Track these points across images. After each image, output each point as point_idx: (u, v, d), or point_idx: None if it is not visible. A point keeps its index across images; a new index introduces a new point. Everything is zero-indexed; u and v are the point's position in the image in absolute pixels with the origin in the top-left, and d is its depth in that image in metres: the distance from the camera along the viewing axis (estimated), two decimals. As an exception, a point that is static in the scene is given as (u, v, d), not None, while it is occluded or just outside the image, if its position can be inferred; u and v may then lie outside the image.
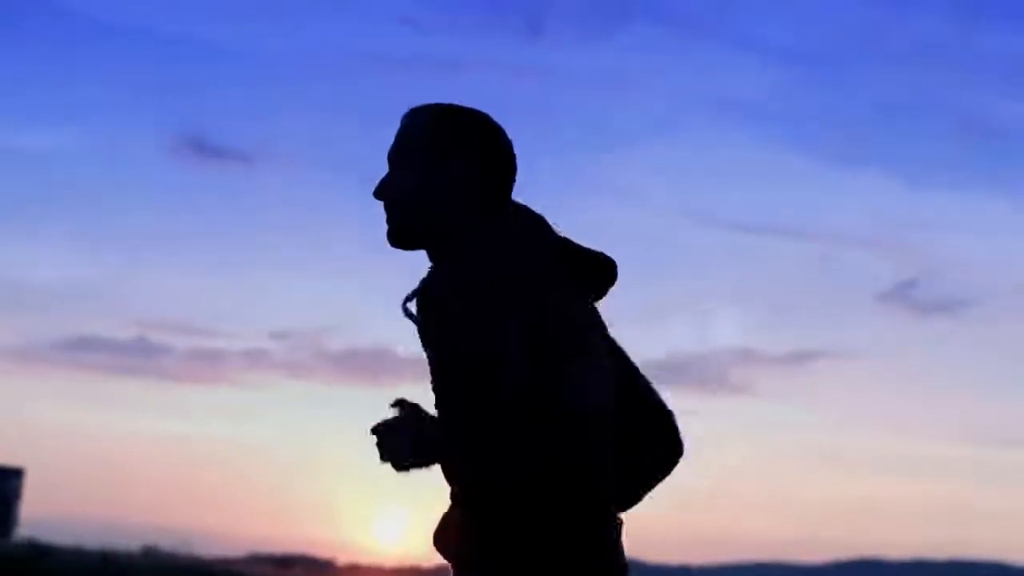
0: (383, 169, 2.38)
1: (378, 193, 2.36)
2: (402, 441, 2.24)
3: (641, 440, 2.29)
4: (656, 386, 2.36)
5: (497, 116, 2.42)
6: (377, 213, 2.37)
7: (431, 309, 2.28)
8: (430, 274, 2.34)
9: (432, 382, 2.32)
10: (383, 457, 2.26)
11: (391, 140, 2.39)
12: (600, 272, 2.33)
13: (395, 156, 2.37)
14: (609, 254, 2.34)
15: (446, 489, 2.36)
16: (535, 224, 2.32)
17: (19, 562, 20.06)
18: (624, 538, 2.26)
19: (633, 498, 2.33)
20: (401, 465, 2.26)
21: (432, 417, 2.29)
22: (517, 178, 2.40)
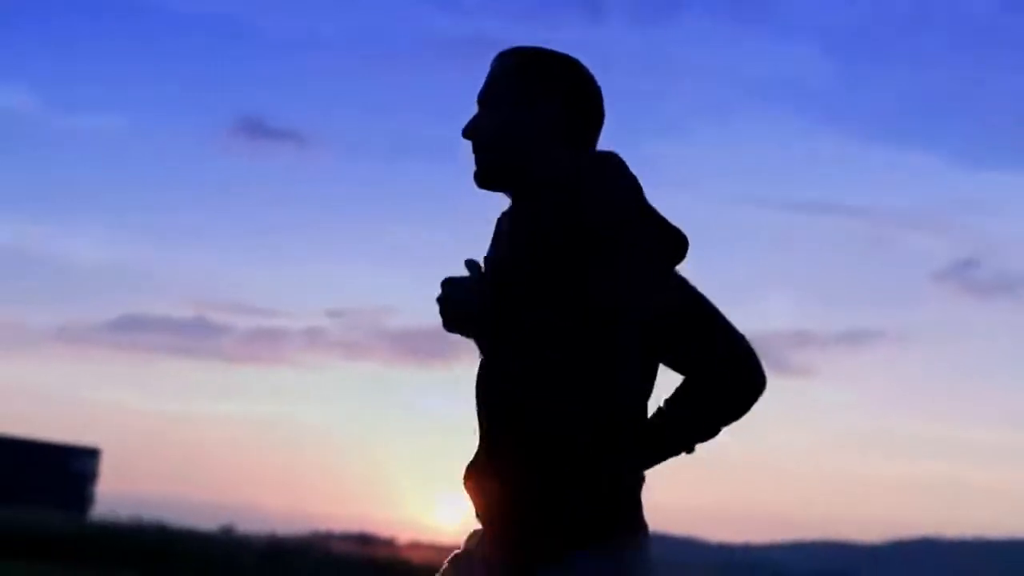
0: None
1: (467, 133, 2.38)
2: (470, 298, 2.27)
3: (719, 371, 2.24)
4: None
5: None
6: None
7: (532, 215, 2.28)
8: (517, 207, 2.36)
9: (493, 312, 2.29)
10: (445, 313, 2.30)
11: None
12: (674, 239, 2.30)
13: (484, 97, 2.41)
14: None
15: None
16: (618, 168, 2.31)
17: (101, 539, 20.25)
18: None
19: (712, 430, 2.30)
20: (460, 322, 2.31)
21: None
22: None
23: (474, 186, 2.38)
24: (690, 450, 2.29)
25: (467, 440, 2.34)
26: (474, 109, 2.41)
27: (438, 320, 2.31)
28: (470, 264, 2.30)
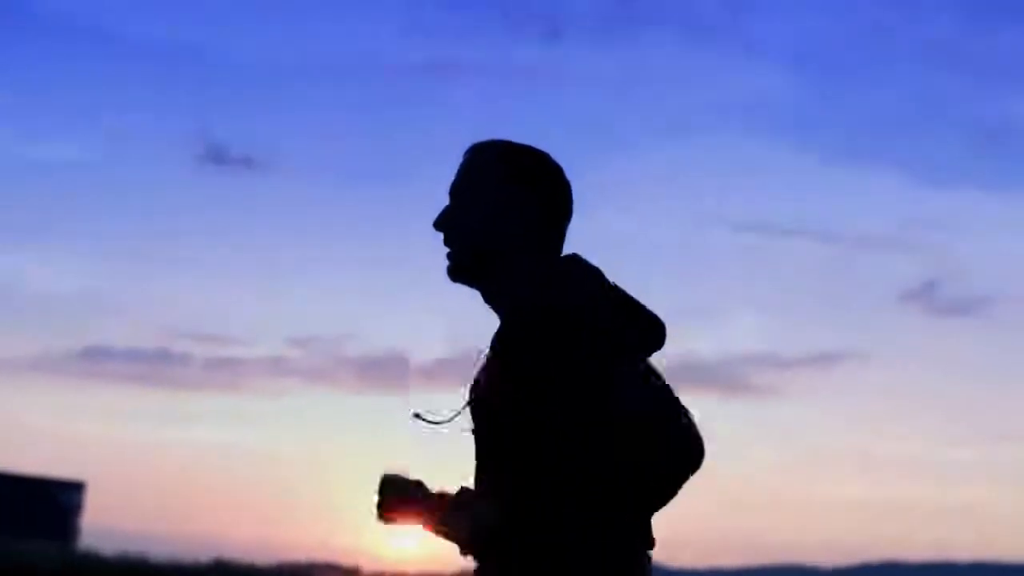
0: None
1: (438, 225, 2.38)
2: (412, 514, 2.31)
3: (664, 440, 2.18)
4: (677, 390, 2.31)
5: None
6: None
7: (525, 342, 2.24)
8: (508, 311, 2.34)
9: (484, 447, 2.31)
10: (380, 512, 2.34)
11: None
12: (650, 328, 2.31)
13: (458, 189, 2.39)
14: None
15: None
16: (593, 271, 2.32)
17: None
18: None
19: (657, 501, 2.25)
20: (391, 522, 2.33)
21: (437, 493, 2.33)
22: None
23: (432, 215, 2.41)
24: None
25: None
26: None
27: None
28: (421, 418, 2.35)
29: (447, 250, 2.39)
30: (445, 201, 2.40)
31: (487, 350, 2.34)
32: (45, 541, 24.55)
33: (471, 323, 2.44)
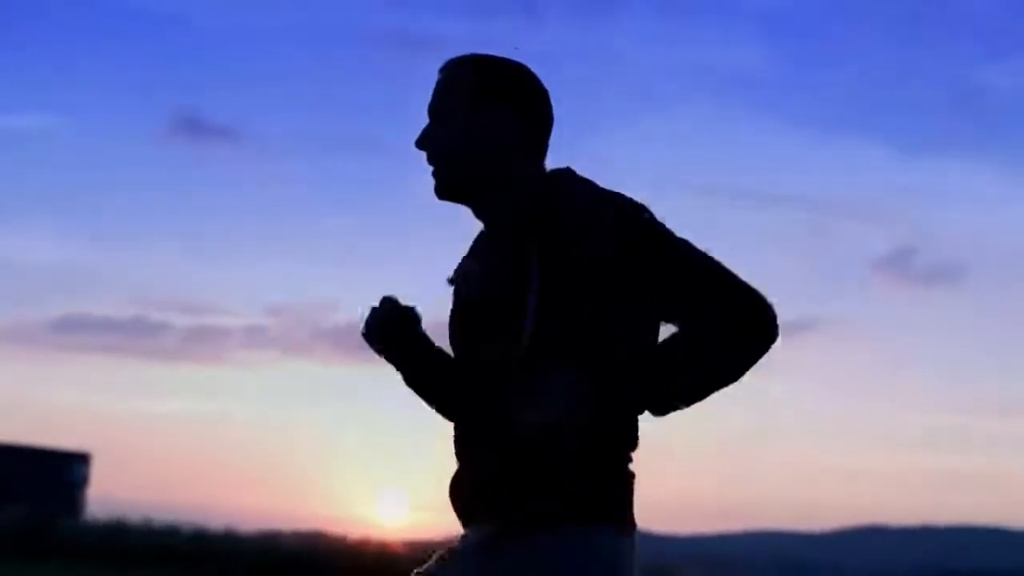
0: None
1: (420, 144, 2.36)
2: (396, 336, 2.38)
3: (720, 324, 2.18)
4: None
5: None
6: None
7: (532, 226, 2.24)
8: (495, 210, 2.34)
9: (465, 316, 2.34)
10: (366, 332, 2.40)
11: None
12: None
13: (436, 108, 2.38)
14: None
15: (445, 465, 2.34)
16: (576, 176, 2.30)
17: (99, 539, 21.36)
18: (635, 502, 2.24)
19: (700, 389, 2.21)
20: (383, 348, 2.40)
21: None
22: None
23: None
24: (662, 411, 2.22)
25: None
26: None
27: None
28: (388, 304, 2.39)
29: (431, 169, 2.37)
30: (425, 173, 2.38)
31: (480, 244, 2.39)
32: (50, 513, 24.75)
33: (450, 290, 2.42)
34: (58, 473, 30.59)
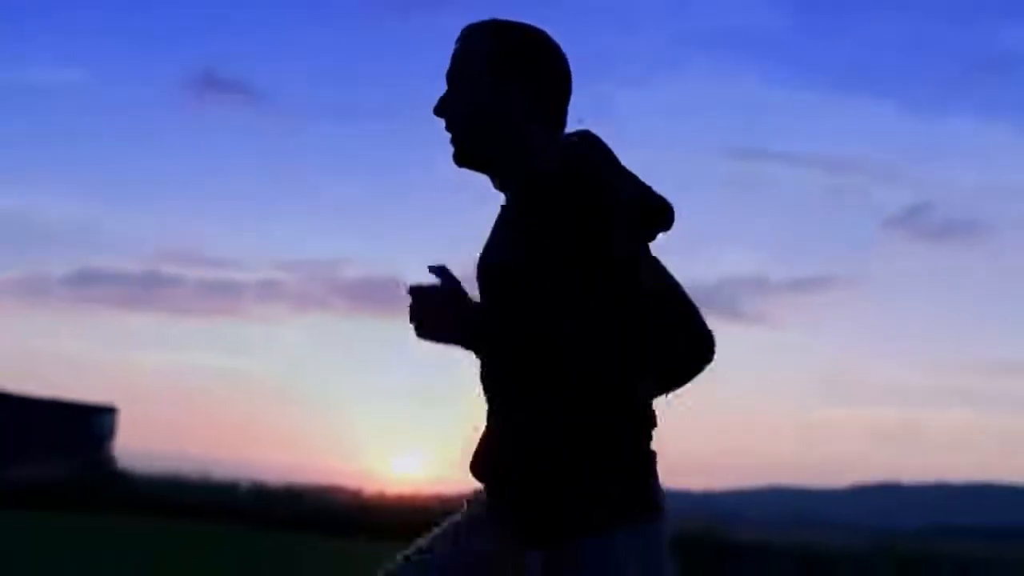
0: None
1: (438, 111, 2.36)
2: (447, 317, 2.22)
3: (668, 336, 2.18)
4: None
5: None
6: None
7: (536, 194, 2.23)
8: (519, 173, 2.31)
9: (490, 280, 2.31)
10: (420, 331, 2.24)
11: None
12: (657, 212, 2.27)
13: (453, 75, 2.36)
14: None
15: (463, 421, 2.35)
16: (596, 144, 2.28)
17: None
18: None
19: (660, 390, 2.24)
20: (439, 339, 2.24)
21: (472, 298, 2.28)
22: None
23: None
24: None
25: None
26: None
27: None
28: (437, 271, 2.26)
29: (449, 136, 2.36)
30: (439, 128, 2.37)
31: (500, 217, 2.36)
32: (77, 465, 25.01)
33: (465, 247, 2.39)
34: (85, 426, 30.76)
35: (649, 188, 2.27)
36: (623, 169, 2.27)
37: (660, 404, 2.27)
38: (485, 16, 2.39)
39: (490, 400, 2.33)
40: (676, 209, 2.26)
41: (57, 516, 18.42)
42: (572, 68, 2.38)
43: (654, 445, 2.28)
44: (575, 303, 2.18)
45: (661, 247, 2.28)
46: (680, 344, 2.20)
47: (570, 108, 2.39)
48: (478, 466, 2.35)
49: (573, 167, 2.20)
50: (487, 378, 2.33)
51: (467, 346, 2.26)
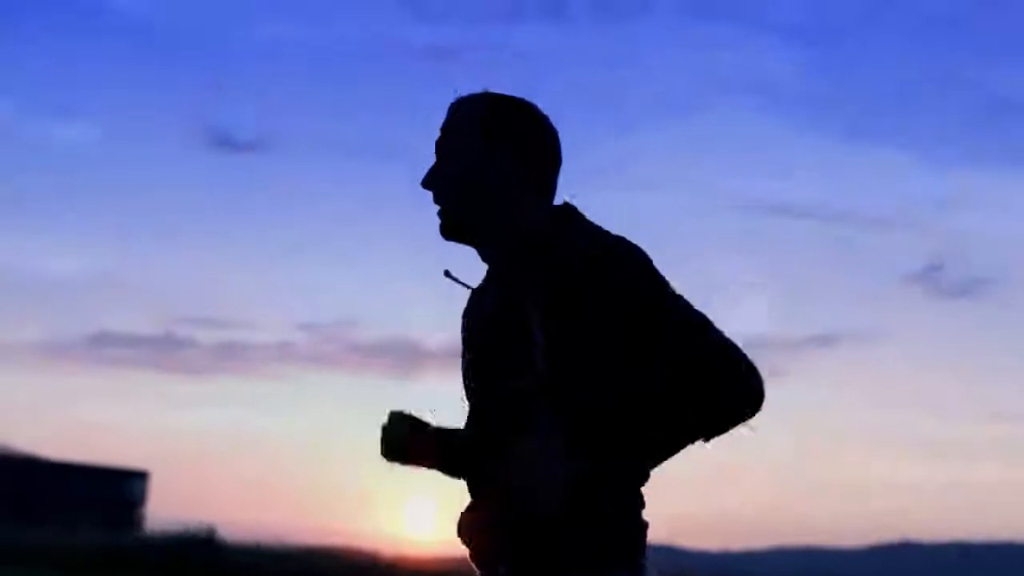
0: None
1: (426, 183, 2.35)
2: (423, 449, 2.34)
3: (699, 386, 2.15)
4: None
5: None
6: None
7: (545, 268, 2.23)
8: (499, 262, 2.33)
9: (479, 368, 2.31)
10: (385, 452, 2.34)
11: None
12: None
13: (443, 146, 2.36)
14: (629, 238, 2.28)
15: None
16: (578, 216, 2.30)
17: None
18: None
19: (710, 433, 2.19)
20: (402, 462, 2.35)
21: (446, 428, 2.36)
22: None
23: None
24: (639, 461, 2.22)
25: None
26: (436, 121, 2.40)
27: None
28: (450, 277, 2.37)
29: (437, 209, 2.35)
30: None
31: (485, 280, 2.37)
32: (108, 530, 25.24)
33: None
34: (118, 491, 30.96)
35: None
36: (606, 235, 2.29)
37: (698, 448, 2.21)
38: (486, 83, 2.40)
39: (478, 464, 2.32)
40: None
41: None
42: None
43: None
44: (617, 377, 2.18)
45: None
46: (720, 393, 2.15)
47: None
48: (463, 532, 2.33)
49: (557, 242, 2.23)
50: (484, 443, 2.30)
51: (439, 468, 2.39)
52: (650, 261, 2.22)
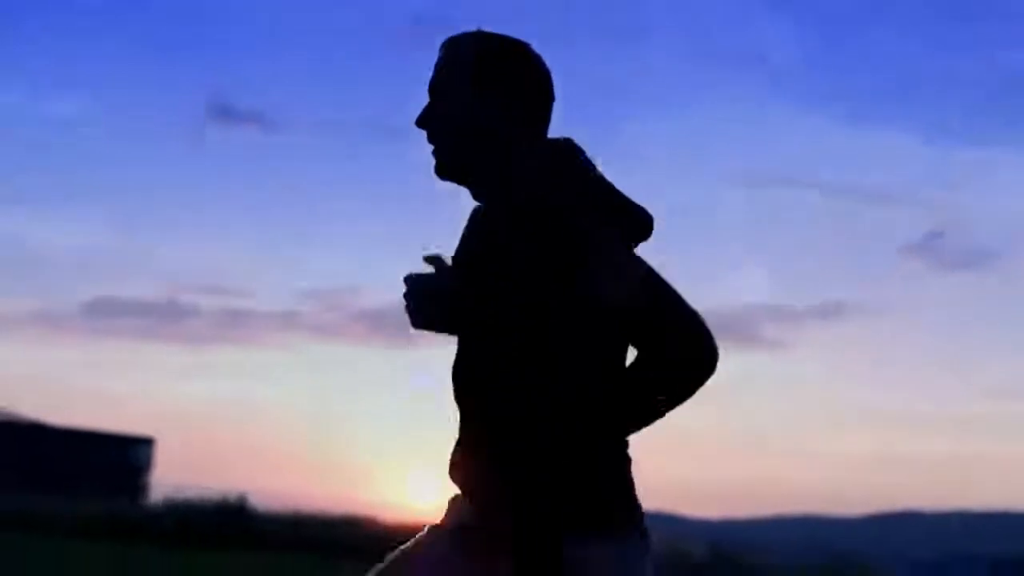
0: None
1: (419, 122, 2.36)
2: (440, 309, 2.25)
3: (662, 347, 2.16)
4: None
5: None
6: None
7: (488, 229, 2.24)
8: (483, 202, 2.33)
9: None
10: (415, 320, 2.26)
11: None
12: (635, 220, 2.27)
13: (435, 86, 2.37)
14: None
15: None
16: (572, 157, 2.28)
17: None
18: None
19: (655, 412, 2.21)
20: (429, 319, 2.27)
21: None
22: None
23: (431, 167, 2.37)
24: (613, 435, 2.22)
25: (439, 419, 2.34)
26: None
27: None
28: (432, 259, 2.28)
29: (431, 148, 2.36)
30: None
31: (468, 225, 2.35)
32: (114, 497, 25.25)
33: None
34: (123, 457, 31.02)
35: (627, 200, 2.28)
36: (599, 181, 2.28)
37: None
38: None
39: (464, 403, 2.31)
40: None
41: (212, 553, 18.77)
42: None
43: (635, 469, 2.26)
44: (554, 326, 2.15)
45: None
46: (673, 356, 2.16)
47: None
48: (455, 474, 2.33)
49: (538, 202, 2.19)
50: (463, 374, 2.30)
51: (454, 329, 2.29)
52: (632, 223, 2.22)
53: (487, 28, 2.39)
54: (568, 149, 2.31)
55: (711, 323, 2.21)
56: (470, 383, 2.28)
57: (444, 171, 2.35)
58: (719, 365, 2.20)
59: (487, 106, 2.31)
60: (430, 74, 2.41)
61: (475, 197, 2.37)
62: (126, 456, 30.82)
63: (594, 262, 2.14)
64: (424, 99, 2.40)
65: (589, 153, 2.32)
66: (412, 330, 2.28)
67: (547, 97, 2.36)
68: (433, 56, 2.42)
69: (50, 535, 19.81)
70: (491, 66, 2.32)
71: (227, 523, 22.01)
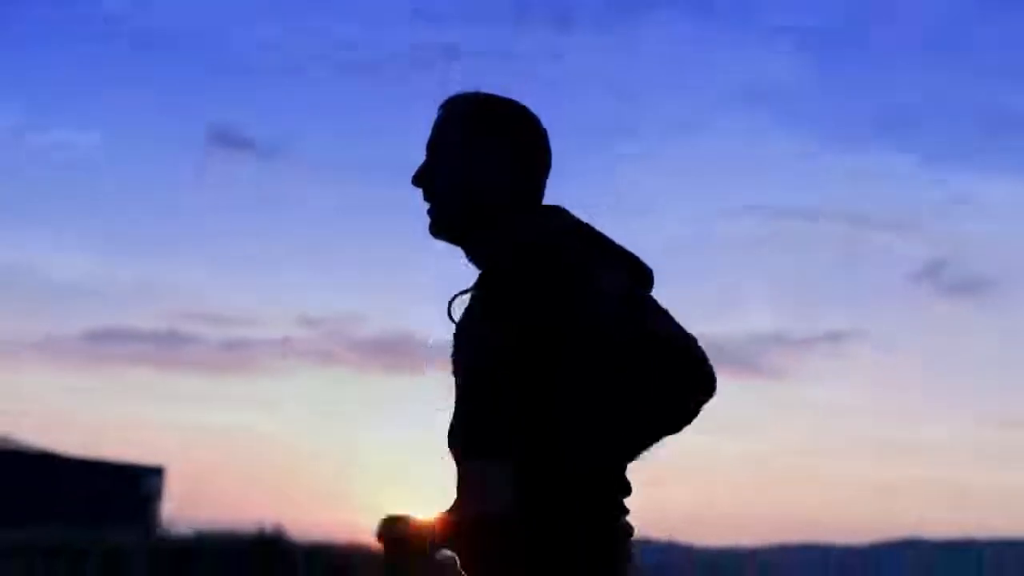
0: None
1: (415, 180, 2.35)
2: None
3: (653, 376, 2.07)
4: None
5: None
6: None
7: (500, 284, 2.19)
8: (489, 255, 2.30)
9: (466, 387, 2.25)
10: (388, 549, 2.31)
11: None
12: (637, 270, 2.24)
13: (433, 144, 2.36)
14: (638, 253, 2.27)
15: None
16: (575, 220, 2.27)
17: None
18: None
19: (646, 442, 2.13)
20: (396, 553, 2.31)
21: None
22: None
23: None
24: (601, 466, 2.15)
25: (437, 447, 2.33)
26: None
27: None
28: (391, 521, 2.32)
29: (427, 206, 2.35)
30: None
31: (470, 293, 2.32)
32: (125, 527, 25.08)
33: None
34: (133, 486, 30.82)
35: (624, 251, 2.25)
36: (601, 239, 2.25)
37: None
38: (479, 85, 2.40)
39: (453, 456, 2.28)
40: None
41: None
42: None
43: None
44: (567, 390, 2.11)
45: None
46: (672, 381, 2.07)
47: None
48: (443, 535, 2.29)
49: (529, 260, 2.16)
50: (450, 427, 2.28)
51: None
52: (567, 267, 2.15)
53: (485, 90, 2.40)
54: (561, 211, 2.30)
55: (712, 353, 2.17)
56: (452, 436, 2.28)
57: (437, 229, 2.35)
58: (718, 391, 2.15)
59: (483, 165, 2.30)
60: (442, 96, 2.43)
61: (468, 257, 2.35)
62: (137, 485, 30.60)
63: (593, 292, 2.11)
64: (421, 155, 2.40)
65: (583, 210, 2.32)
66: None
67: (546, 157, 2.36)
68: (431, 85, 2.35)
69: (59, 565, 19.82)
70: (489, 125, 2.32)
71: (265, 554, 21.94)
